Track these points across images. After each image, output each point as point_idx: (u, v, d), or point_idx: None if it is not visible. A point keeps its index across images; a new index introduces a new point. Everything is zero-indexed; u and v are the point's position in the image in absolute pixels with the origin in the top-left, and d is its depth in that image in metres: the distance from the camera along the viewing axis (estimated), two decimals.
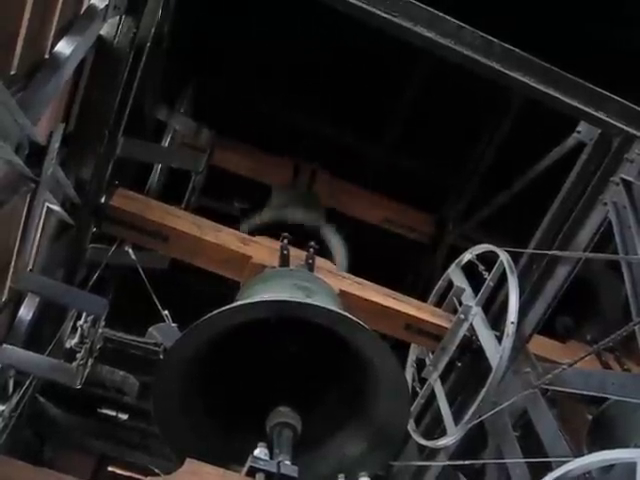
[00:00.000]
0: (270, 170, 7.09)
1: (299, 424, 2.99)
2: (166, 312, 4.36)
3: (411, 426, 4.69)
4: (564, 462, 2.45)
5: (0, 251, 3.42)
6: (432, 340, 4.70)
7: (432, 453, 4.95)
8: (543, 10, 5.64)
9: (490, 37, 3.77)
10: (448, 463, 4.69)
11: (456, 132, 7.04)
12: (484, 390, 4.02)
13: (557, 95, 3.88)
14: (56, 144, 3.01)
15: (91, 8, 3.60)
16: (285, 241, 4.46)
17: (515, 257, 4.47)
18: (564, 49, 4.70)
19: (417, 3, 3.65)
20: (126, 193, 4.51)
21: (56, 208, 3.64)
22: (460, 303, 4.67)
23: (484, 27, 3.75)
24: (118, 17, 3.77)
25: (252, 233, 4.97)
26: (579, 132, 4.56)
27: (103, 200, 4.31)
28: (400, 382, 3.14)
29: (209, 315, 2.93)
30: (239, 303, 3.17)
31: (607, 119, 3.99)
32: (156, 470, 5.92)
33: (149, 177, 6.36)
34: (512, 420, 4.36)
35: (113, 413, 5.96)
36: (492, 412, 3.99)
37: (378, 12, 3.58)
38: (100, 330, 3.61)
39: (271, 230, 4.87)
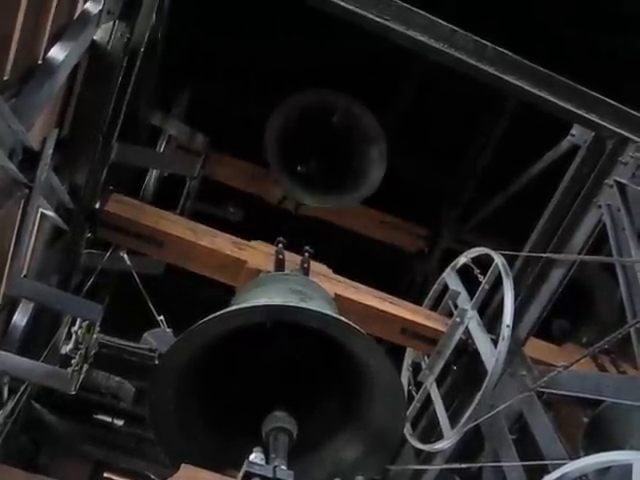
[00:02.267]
0: (262, 183, 7.08)
1: (295, 428, 2.97)
2: (161, 317, 4.35)
3: (407, 430, 4.68)
4: (560, 465, 2.45)
5: None
6: (428, 344, 4.70)
7: (429, 457, 4.95)
8: (535, 14, 5.67)
9: (483, 41, 3.78)
10: (445, 467, 4.69)
11: (450, 135, 7.06)
12: (480, 393, 4.02)
13: (550, 98, 3.89)
14: (50, 150, 3.01)
15: (85, 13, 3.60)
16: (280, 245, 4.46)
17: (510, 260, 4.47)
18: (557, 52, 4.72)
19: (410, 7, 3.66)
20: (121, 198, 4.50)
21: (50, 214, 3.63)
22: (456, 306, 4.67)
23: (477, 31, 3.76)
24: (112, 22, 3.77)
25: None
26: (573, 135, 4.57)
27: (97, 205, 4.30)
28: (396, 386, 3.13)
29: (204, 320, 2.93)
30: (234, 308, 3.16)
31: (600, 122, 4.00)
32: (152, 476, 5.91)
33: (144, 182, 6.36)
34: (508, 423, 4.36)
35: (109, 419, 5.94)
36: (488, 415, 3.98)
37: (370, 16, 3.59)
38: (95, 336, 3.60)
39: None
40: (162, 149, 6.46)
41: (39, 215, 3.61)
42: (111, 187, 4.45)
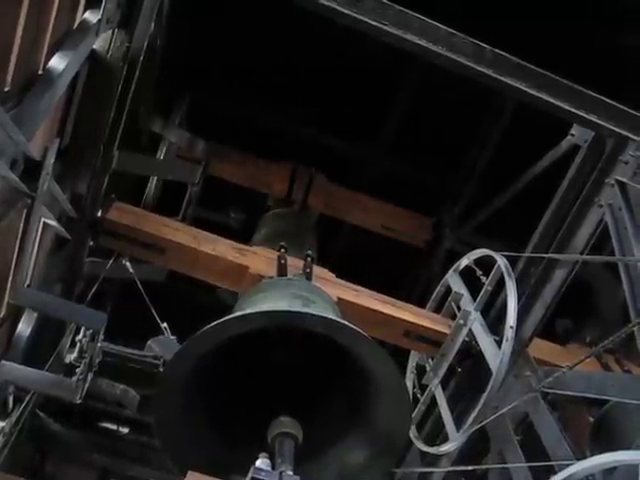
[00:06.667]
0: (266, 179, 7.08)
1: (300, 434, 2.98)
2: (165, 324, 4.34)
3: (413, 433, 4.68)
4: (567, 465, 2.45)
5: None
6: (432, 346, 4.70)
7: (434, 459, 4.94)
8: (533, 15, 5.67)
9: (482, 44, 3.79)
10: (451, 469, 4.69)
11: (451, 136, 7.05)
12: (485, 395, 4.01)
13: (549, 99, 3.89)
14: (51, 159, 3.01)
15: (84, 23, 3.61)
16: (282, 250, 4.46)
17: (512, 261, 4.47)
18: (555, 53, 4.72)
19: (407, 11, 3.67)
20: (122, 206, 4.51)
21: (52, 223, 3.64)
22: (459, 308, 4.67)
23: (474, 33, 3.77)
24: (111, 31, 3.78)
25: None
26: (573, 135, 4.58)
27: (99, 214, 4.31)
28: (401, 389, 3.14)
29: (208, 327, 2.93)
30: (237, 314, 3.17)
31: (599, 122, 4.00)
32: None
33: (145, 190, 6.37)
34: (514, 424, 4.36)
35: (114, 427, 5.95)
36: (493, 417, 3.98)
37: (368, 21, 3.60)
38: (99, 344, 3.59)
39: None
40: (163, 156, 6.46)
41: (41, 224, 3.62)
42: (113, 195, 4.46)
